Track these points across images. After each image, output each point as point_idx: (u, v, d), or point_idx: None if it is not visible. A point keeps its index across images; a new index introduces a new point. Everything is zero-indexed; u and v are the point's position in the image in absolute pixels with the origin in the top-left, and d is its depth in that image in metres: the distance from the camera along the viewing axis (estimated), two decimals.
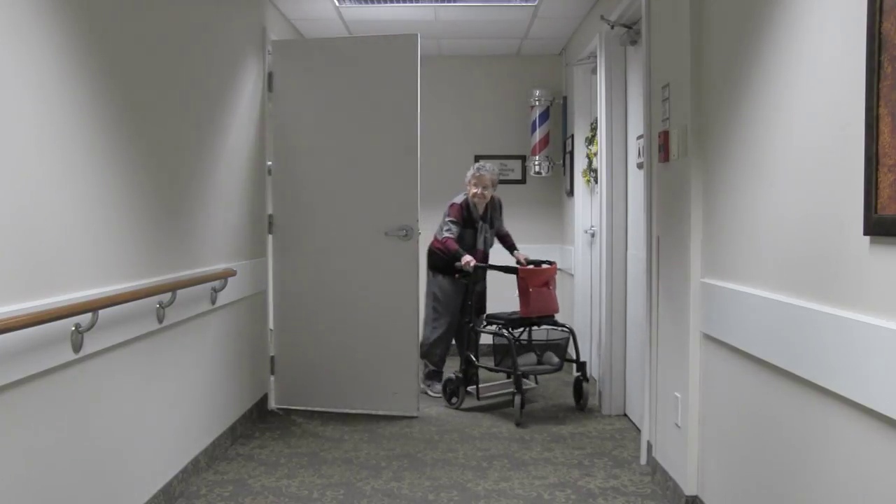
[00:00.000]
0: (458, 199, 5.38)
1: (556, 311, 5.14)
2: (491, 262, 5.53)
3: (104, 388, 2.82)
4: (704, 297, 3.10)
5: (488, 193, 5.35)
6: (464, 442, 4.43)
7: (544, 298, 5.02)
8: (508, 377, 5.14)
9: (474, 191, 5.33)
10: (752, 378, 2.65)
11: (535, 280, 5.00)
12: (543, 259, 5.34)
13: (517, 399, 4.74)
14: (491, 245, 5.54)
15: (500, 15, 5.73)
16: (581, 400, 5.07)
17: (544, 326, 5.18)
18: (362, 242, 5.04)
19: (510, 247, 5.61)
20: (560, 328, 5.17)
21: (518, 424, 4.69)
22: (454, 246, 5.18)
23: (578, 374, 5.06)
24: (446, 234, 5.25)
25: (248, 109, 4.71)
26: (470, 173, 5.39)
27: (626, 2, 4.32)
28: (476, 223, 5.38)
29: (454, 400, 5.20)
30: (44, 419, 2.42)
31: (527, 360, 5.12)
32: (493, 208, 5.49)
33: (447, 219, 5.35)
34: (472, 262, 5.09)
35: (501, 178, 6.18)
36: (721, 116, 2.97)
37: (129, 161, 3.03)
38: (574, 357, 5.17)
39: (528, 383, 5.47)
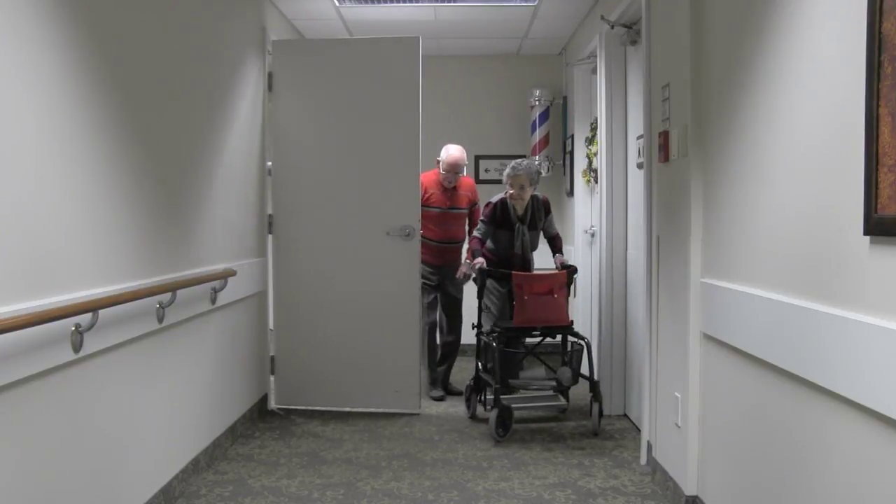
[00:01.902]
0: (496, 198, 4.98)
1: (562, 321, 4.64)
2: (538, 267, 5.17)
3: (104, 388, 2.82)
4: (704, 297, 3.10)
5: (526, 194, 4.89)
6: (464, 442, 4.43)
7: (544, 307, 4.59)
8: (512, 390, 4.83)
9: (511, 191, 4.89)
10: (752, 378, 2.65)
11: (532, 286, 4.60)
12: (570, 264, 5.03)
13: (493, 415, 4.41)
14: (534, 248, 5.08)
15: (500, 15, 5.73)
16: (593, 425, 4.56)
17: (568, 338, 4.74)
18: (363, 242, 5.08)
19: (554, 249, 5.12)
20: (577, 340, 4.69)
21: (497, 442, 4.37)
22: (474, 246, 4.96)
23: (591, 393, 4.58)
24: (474, 234, 5.03)
25: (248, 109, 4.71)
26: (506, 173, 4.93)
27: (626, 2, 4.32)
28: (513, 225, 4.95)
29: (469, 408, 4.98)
30: (44, 419, 2.42)
31: (533, 374, 4.73)
32: (537, 209, 5.00)
33: (479, 217, 5.13)
34: (478, 265, 4.81)
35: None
36: (721, 116, 2.97)
37: (128, 161, 3.03)
38: (588, 374, 4.61)
39: (560, 401, 4.95)
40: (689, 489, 3.26)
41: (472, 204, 5.57)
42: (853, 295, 1.99)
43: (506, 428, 4.45)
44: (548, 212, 5.07)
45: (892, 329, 1.78)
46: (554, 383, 4.62)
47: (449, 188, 5.40)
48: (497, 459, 4.10)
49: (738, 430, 2.80)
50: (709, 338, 3.08)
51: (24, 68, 2.34)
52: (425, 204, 5.31)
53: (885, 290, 1.84)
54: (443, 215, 5.40)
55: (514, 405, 4.74)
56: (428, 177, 5.43)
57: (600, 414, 4.54)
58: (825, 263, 2.14)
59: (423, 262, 5.32)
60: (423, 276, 5.40)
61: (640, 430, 4.21)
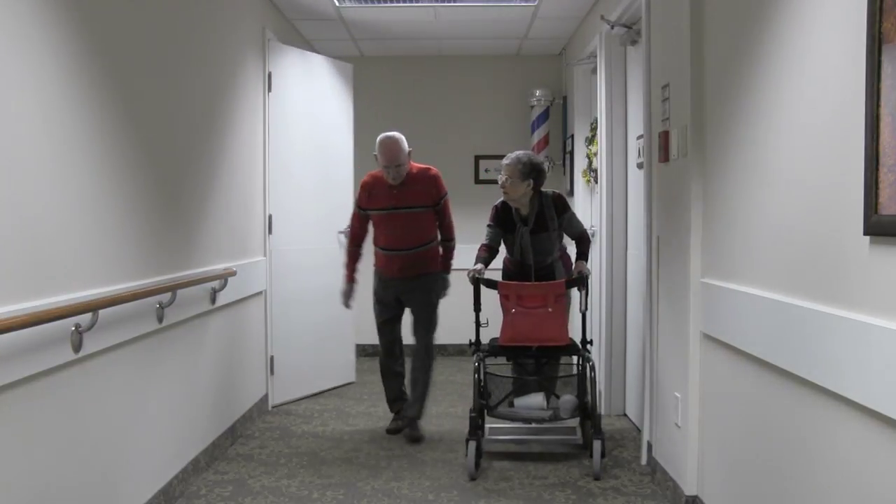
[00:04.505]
0: (500, 199, 4.28)
1: (556, 339, 3.96)
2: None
3: (104, 388, 2.82)
4: (704, 297, 3.10)
5: (515, 189, 4.09)
6: (464, 442, 4.42)
7: (532, 322, 3.92)
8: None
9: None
10: (752, 378, 2.65)
11: (520, 298, 3.95)
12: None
13: (471, 447, 3.80)
14: (546, 252, 4.23)
15: (500, 15, 5.73)
16: (594, 467, 3.81)
17: (564, 359, 4.20)
18: (320, 243, 5.57)
19: (578, 255, 4.26)
20: (581, 362, 4.05)
21: (472, 479, 3.76)
22: (480, 253, 4.22)
23: (591, 429, 3.92)
24: (483, 241, 4.30)
25: (247, 109, 4.71)
26: None
27: (626, 2, 4.32)
28: (515, 226, 4.23)
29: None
30: (44, 419, 2.42)
31: (529, 403, 4.09)
32: (546, 207, 4.19)
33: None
34: (471, 273, 4.10)
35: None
36: (721, 116, 2.97)
37: (129, 161, 3.03)
38: (588, 401, 3.99)
39: (576, 436, 4.23)
40: (689, 489, 3.26)
41: (439, 199, 4.50)
42: (853, 295, 1.99)
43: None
44: (562, 210, 4.21)
45: (892, 329, 1.78)
46: (550, 414, 4.02)
47: (396, 185, 4.42)
48: (497, 460, 4.09)
49: (738, 430, 2.80)
50: (709, 338, 3.08)
51: (24, 66, 2.34)
52: (368, 207, 4.50)
53: (885, 290, 1.84)
54: (388, 217, 4.45)
55: (510, 437, 4.29)
56: (372, 176, 4.53)
57: (602, 454, 3.83)
58: (825, 263, 2.14)
59: (376, 272, 4.64)
60: (374, 291, 4.65)
61: (640, 430, 4.21)
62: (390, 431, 4.60)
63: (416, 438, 4.42)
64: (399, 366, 4.68)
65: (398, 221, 4.45)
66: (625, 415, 4.94)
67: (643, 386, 3.99)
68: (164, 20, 3.42)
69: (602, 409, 4.96)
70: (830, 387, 2.07)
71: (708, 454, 3.14)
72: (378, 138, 4.41)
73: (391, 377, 4.70)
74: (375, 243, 4.59)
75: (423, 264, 4.50)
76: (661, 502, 3.51)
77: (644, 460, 3.97)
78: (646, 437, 3.92)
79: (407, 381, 4.67)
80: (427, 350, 4.54)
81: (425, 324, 4.53)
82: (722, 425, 2.98)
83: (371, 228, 4.60)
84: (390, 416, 4.87)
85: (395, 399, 4.70)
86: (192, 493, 3.59)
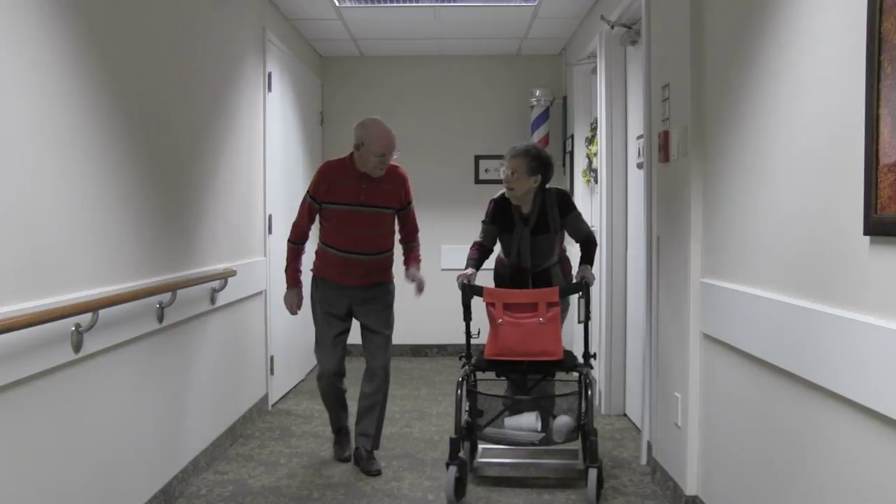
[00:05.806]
0: (499, 192, 3.87)
1: (548, 353, 3.50)
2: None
3: (104, 388, 2.82)
4: (704, 297, 3.10)
5: (519, 184, 3.67)
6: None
7: (521, 334, 3.49)
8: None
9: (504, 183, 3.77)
10: (753, 378, 2.65)
11: (509, 307, 3.54)
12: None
13: (450, 472, 3.40)
14: (546, 256, 3.82)
15: (500, 15, 5.73)
16: (588, 496, 3.41)
17: (559, 376, 3.78)
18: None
19: (583, 259, 3.79)
20: (580, 378, 3.64)
21: None
22: (470, 254, 3.83)
23: (587, 453, 3.52)
24: (476, 239, 3.89)
25: (248, 109, 4.71)
26: None
27: (626, 2, 4.32)
28: (514, 226, 3.81)
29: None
30: (44, 419, 2.42)
31: (520, 423, 3.69)
32: (549, 206, 3.76)
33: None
34: (461, 278, 3.69)
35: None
36: (721, 116, 2.97)
37: (129, 161, 3.03)
38: (583, 422, 3.59)
39: (577, 460, 3.85)
40: (690, 489, 3.26)
41: (406, 203, 4.00)
42: (853, 295, 1.99)
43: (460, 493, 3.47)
44: (567, 209, 3.78)
45: (892, 329, 1.78)
46: (542, 437, 3.63)
47: (367, 178, 3.83)
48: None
49: (739, 431, 2.80)
50: (709, 338, 3.08)
51: (24, 68, 2.34)
52: (326, 200, 3.86)
53: (885, 290, 1.84)
54: (351, 215, 3.83)
55: (503, 459, 3.97)
56: (331, 166, 3.93)
57: (600, 484, 3.43)
58: (825, 263, 2.14)
59: (322, 278, 3.96)
60: (319, 302, 3.96)
61: (640, 430, 4.21)
62: (342, 459, 4.08)
63: (376, 471, 3.86)
64: (343, 388, 4.07)
65: (363, 220, 3.84)
66: (625, 415, 4.94)
67: (643, 386, 3.99)
68: (165, 20, 3.42)
69: (602, 409, 4.96)
70: (830, 386, 2.07)
71: (708, 454, 3.14)
72: (366, 122, 3.82)
73: (337, 402, 4.09)
74: (326, 242, 3.91)
75: (382, 272, 3.96)
76: (661, 502, 3.51)
77: (644, 460, 3.97)
78: (646, 437, 3.92)
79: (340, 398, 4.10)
80: (386, 372, 3.96)
81: (385, 341, 3.94)
82: (722, 425, 2.98)
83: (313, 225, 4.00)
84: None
85: (341, 427, 4.16)
86: (192, 493, 3.59)
